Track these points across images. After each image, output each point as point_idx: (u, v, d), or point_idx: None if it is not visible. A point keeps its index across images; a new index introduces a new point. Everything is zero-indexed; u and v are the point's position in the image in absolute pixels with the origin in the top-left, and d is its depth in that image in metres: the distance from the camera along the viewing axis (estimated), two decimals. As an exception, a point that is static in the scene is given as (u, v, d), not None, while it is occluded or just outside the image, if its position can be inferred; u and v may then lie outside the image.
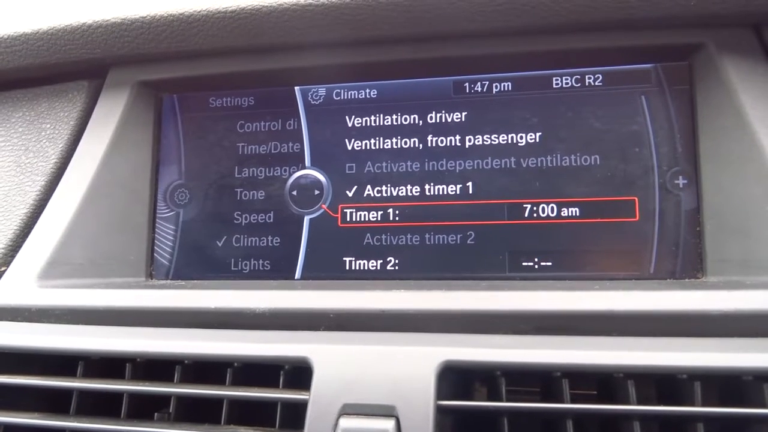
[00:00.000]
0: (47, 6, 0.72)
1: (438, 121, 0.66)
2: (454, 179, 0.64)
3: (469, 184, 0.64)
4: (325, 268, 0.66)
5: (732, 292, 0.50)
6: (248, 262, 0.68)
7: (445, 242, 0.64)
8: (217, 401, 0.52)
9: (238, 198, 0.69)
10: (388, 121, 0.67)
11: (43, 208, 0.67)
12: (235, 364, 0.53)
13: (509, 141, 0.64)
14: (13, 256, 0.65)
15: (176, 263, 0.70)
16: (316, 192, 0.67)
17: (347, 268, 0.65)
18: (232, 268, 0.68)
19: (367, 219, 0.66)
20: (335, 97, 0.69)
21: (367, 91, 0.68)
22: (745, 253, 0.55)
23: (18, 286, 0.62)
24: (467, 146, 0.65)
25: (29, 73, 0.73)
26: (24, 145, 0.71)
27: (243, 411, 0.53)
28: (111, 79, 0.72)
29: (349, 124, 0.68)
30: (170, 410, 0.53)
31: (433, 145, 0.66)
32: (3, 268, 0.64)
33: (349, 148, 0.68)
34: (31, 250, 0.64)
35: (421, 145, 0.66)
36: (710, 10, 0.56)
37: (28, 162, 0.70)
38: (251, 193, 0.69)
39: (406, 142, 0.66)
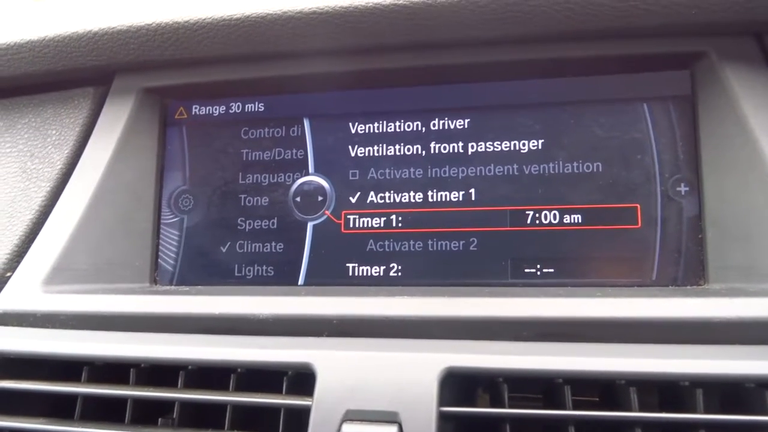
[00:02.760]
0: (54, 12, 0.73)
1: (441, 128, 0.66)
2: (457, 186, 0.65)
3: (472, 190, 0.64)
4: (329, 275, 0.66)
5: (734, 300, 0.50)
6: (252, 268, 0.68)
7: (448, 249, 0.64)
8: (221, 407, 0.52)
9: (242, 204, 0.70)
10: (391, 128, 0.68)
11: (49, 214, 0.67)
12: (239, 370, 0.53)
13: (512, 148, 0.64)
14: (18, 262, 0.65)
15: (180, 269, 0.70)
16: (320, 198, 0.68)
17: (350, 274, 0.66)
18: (236, 274, 0.68)
19: (370, 225, 0.66)
20: (339, 104, 0.69)
21: (371, 98, 0.69)
22: (748, 260, 0.55)
23: (23, 292, 0.62)
24: (470, 153, 0.65)
25: (35, 79, 0.73)
26: (30, 151, 0.72)
27: (246, 417, 0.53)
28: (116, 86, 0.72)
29: (353, 131, 0.68)
30: (174, 416, 0.53)
31: (436, 152, 0.66)
32: (8, 274, 0.64)
33: (353, 154, 0.68)
34: (36, 255, 0.65)
35: (423, 152, 0.66)
36: (712, 18, 0.57)
37: (34, 168, 0.70)
38: (255, 199, 0.69)
39: (409, 149, 0.67)
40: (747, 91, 0.57)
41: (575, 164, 0.63)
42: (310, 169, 0.69)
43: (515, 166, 0.64)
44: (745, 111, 0.57)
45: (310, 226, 0.68)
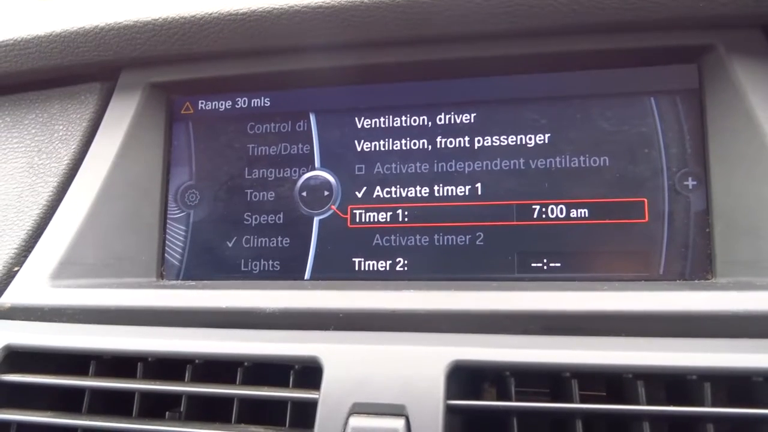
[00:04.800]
0: (60, 9, 0.73)
1: (447, 122, 0.66)
2: (463, 180, 0.65)
3: (478, 185, 0.64)
4: (335, 269, 0.66)
5: (742, 293, 0.50)
6: (258, 263, 0.68)
7: (454, 243, 0.64)
8: (228, 400, 0.52)
9: (248, 199, 0.70)
10: (397, 123, 0.68)
11: (56, 209, 0.67)
12: (246, 364, 0.53)
13: (518, 142, 0.64)
14: (26, 256, 0.65)
15: (187, 264, 0.70)
16: (326, 193, 0.68)
17: (356, 268, 0.66)
18: (242, 269, 0.68)
19: (376, 220, 0.66)
20: (345, 99, 0.69)
21: (377, 92, 0.69)
22: (755, 254, 0.55)
23: (31, 286, 0.63)
24: (476, 147, 0.65)
25: (42, 75, 0.73)
26: (37, 147, 0.72)
27: (253, 410, 0.53)
28: (123, 81, 0.72)
29: (359, 126, 0.68)
30: (181, 409, 0.53)
31: (442, 146, 0.66)
32: (16, 268, 0.65)
33: (359, 149, 0.68)
34: (43, 250, 0.65)
35: (430, 147, 0.66)
36: (719, 11, 0.57)
37: (41, 163, 0.71)
38: (261, 194, 0.70)
39: (415, 144, 0.67)
40: (755, 84, 0.57)
41: (582, 158, 0.62)
42: (316, 163, 0.69)
43: (522, 161, 0.64)
44: (752, 104, 0.57)
45: (316, 220, 0.68)
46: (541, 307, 0.52)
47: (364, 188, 0.67)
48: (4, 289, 0.64)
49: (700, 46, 0.60)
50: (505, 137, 0.65)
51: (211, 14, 0.64)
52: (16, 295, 0.63)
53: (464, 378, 0.50)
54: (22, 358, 0.57)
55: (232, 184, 0.71)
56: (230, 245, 0.69)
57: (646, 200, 0.61)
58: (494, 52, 0.63)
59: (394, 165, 0.67)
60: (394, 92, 0.68)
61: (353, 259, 0.66)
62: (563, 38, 0.62)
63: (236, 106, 0.72)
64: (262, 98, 0.72)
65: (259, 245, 0.68)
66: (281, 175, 0.69)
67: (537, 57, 0.63)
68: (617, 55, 0.62)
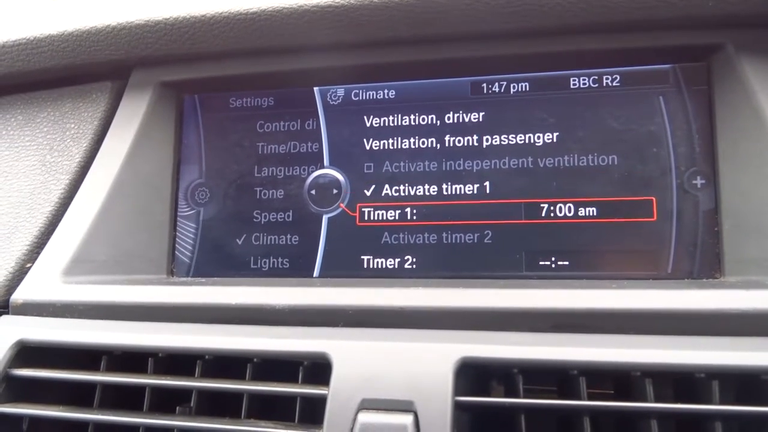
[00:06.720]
0: (72, 8, 0.74)
1: (456, 121, 0.67)
2: (472, 179, 0.65)
3: (487, 183, 0.65)
4: (344, 267, 0.66)
5: (750, 292, 0.50)
6: (267, 260, 0.69)
7: (463, 241, 0.64)
8: (238, 395, 0.53)
9: (258, 197, 0.70)
10: (405, 121, 0.68)
11: (68, 206, 0.68)
12: (255, 360, 0.54)
13: (526, 141, 0.64)
14: (38, 253, 0.66)
15: (197, 261, 0.71)
16: (335, 191, 0.68)
17: (365, 266, 0.66)
18: (252, 266, 0.69)
19: (385, 218, 0.66)
20: (354, 98, 0.70)
21: (385, 91, 0.69)
22: (764, 252, 0.55)
23: (43, 282, 0.63)
24: (485, 146, 0.65)
25: (54, 74, 0.74)
26: (49, 145, 0.73)
27: (263, 406, 0.54)
28: (134, 80, 0.73)
29: (368, 124, 0.69)
30: (191, 404, 0.54)
31: (451, 145, 0.66)
32: (28, 265, 0.65)
33: (368, 147, 0.68)
34: (56, 247, 0.66)
35: (438, 145, 0.67)
36: (729, 10, 0.57)
37: (53, 161, 0.71)
38: (270, 192, 0.70)
39: (423, 142, 0.67)
40: (764, 83, 0.57)
41: (590, 157, 0.63)
42: (325, 162, 0.69)
43: (530, 159, 0.64)
44: (761, 104, 0.57)
45: (325, 218, 0.68)
46: (549, 304, 0.52)
47: (373, 186, 0.67)
48: (17, 286, 0.64)
49: (710, 45, 0.60)
50: (514, 136, 0.65)
51: (221, 14, 0.65)
52: (28, 291, 0.63)
53: (472, 375, 0.50)
54: (34, 353, 0.58)
55: (242, 182, 0.71)
56: (240, 243, 0.70)
57: (654, 199, 0.61)
58: (502, 51, 0.64)
59: (402, 163, 0.67)
60: (402, 91, 0.69)
61: (362, 257, 0.66)
62: (572, 37, 0.62)
63: (246, 104, 0.73)
64: (272, 97, 0.72)
65: (268, 243, 0.69)
66: (290, 173, 0.70)
67: (545, 56, 0.63)
68: (626, 54, 0.62)
